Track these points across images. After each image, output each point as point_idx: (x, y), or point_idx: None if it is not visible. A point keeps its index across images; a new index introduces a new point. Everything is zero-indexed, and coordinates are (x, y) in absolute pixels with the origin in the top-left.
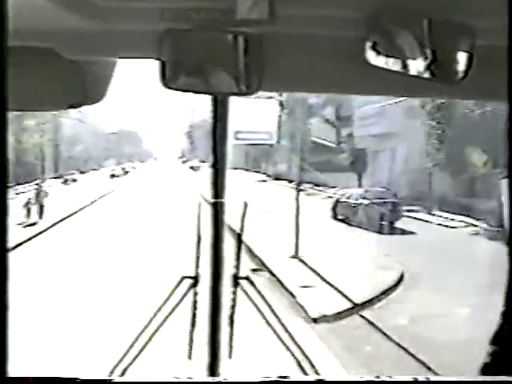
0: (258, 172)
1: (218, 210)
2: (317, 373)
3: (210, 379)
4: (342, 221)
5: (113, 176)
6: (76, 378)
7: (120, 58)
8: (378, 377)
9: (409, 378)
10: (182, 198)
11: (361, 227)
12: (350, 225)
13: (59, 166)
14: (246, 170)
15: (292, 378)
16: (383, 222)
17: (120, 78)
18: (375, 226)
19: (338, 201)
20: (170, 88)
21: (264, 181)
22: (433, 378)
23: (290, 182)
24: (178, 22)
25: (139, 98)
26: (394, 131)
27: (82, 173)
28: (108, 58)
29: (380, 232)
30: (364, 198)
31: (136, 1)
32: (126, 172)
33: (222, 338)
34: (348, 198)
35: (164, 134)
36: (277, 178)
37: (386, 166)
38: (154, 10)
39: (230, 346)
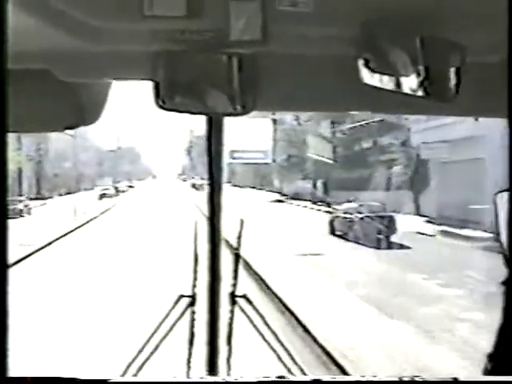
0: (269, 191)
1: (214, 228)
2: None
3: (210, 379)
4: (339, 236)
5: (103, 196)
6: (75, 378)
7: (114, 79)
8: (374, 376)
9: (408, 378)
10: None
11: (357, 242)
12: (347, 240)
13: (43, 186)
14: (254, 188)
15: (290, 378)
16: (380, 237)
17: (116, 94)
18: (371, 240)
19: (335, 216)
20: (164, 109)
21: (280, 201)
22: (431, 379)
23: (314, 202)
24: (171, 44)
25: (137, 115)
26: (478, 134)
27: (69, 193)
28: (102, 79)
29: (378, 247)
30: (359, 213)
31: (128, 22)
32: (121, 191)
33: (220, 356)
34: (345, 212)
35: (163, 151)
36: (294, 198)
37: (465, 182)
38: (147, 32)
39: (228, 364)
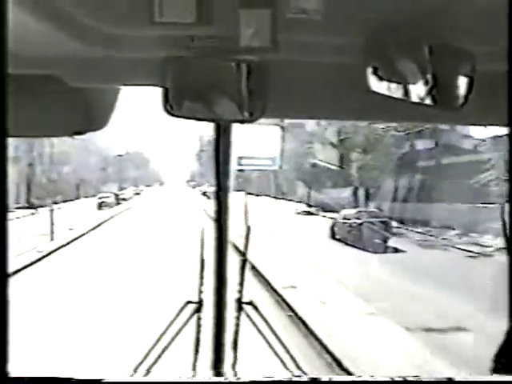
0: (290, 200)
1: (222, 234)
2: None
3: (213, 379)
4: (339, 240)
5: (101, 206)
6: (71, 378)
7: (123, 85)
8: (372, 376)
9: (400, 379)
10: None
11: (356, 246)
12: (347, 244)
13: (37, 193)
14: (274, 197)
15: (292, 378)
16: (378, 241)
17: (125, 99)
18: (370, 244)
19: (336, 221)
20: (172, 115)
21: (309, 213)
22: (426, 379)
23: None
24: (181, 50)
25: (146, 120)
26: None
27: (66, 201)
28: (112, 85)
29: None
30: (358, 219)
31: (138, 28)
32: (122, 199)
33: (226, 361)
34: (344, 218)
35: (171, 156)
36: (326, 210)
37: None
38: (157, 38)
39: (234, 371)
